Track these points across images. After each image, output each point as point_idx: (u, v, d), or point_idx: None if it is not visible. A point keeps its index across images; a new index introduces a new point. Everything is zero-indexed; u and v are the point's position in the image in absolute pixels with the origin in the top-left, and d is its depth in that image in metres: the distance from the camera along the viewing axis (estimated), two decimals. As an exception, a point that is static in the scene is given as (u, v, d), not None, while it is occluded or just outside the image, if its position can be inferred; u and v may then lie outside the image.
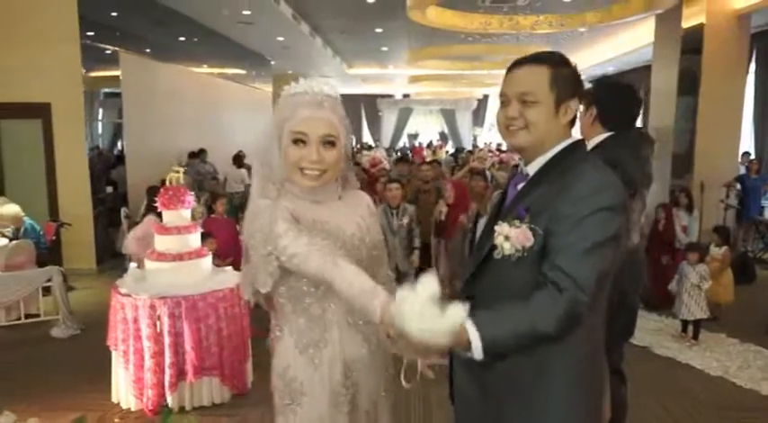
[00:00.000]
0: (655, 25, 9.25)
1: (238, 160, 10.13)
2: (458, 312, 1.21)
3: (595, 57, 14.38)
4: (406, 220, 4.96)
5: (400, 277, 4.80)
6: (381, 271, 1.74)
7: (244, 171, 10.08)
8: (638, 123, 15.55)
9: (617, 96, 2.55)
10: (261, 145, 1.65)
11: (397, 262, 4.87)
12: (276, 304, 1.64)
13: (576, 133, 1.56)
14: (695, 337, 4.78)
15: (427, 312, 1.18)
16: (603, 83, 2.63)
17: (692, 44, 8.02)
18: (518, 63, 1.47)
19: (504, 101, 1.49)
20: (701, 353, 4.59)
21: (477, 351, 1.27)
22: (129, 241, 4.72)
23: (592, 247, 1.31)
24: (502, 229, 1.38)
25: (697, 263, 4.79)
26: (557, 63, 1.45)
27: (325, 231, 1.56)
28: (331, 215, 1.61)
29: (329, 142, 1.56)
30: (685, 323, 4.88)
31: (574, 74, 1.47)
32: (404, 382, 1.45)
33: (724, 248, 5.29)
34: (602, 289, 1.37)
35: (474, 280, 1.52)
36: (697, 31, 7.94)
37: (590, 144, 2.41)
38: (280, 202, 1.55)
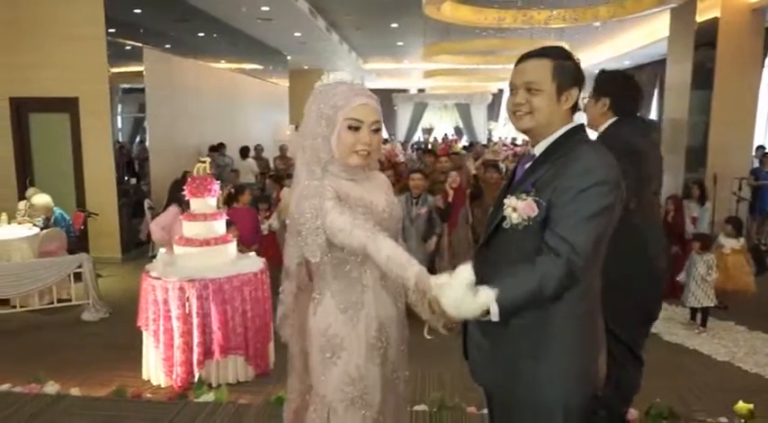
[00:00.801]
0: (669, 19, 9.30)
1: (244, 152, 10.57)
2: (488, 295, 1.45)
3: (610, 51, 14.41)
4: (424, 210, 5.07)
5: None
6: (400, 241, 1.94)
7: (251, 161, 10.46)
8: (653, 115, 15.56)
9: (629, 87, 2.83)
10: (307, 131, 1.81)
11: (411, 249, 5.01)
12: (317, 271, 1.84)
13: (579, 119, 1.75)
14: (703, 324, 4.90)
15: (464, 297, 1.43)
16: (615, 76, 2.86)
17: (707, 38, 8.06)
18: (525, 56, 1.69)
19: (513, 89, 1.70)
20: (709, 340, 4.71)
21: (495, 316, 1.49)
22: (154, 228, 4.93)
23: (588, 217, 1.51)
24: (510, 201, 1.58)
25: (703, 252, 4.91)
26: (559, 56, 1.66)
27: (363, 206, 1.78)
28: (365, 192, 1.83)
29: (377, 129, 1.79)
30: (694, 311, 5.01)
31: (575, 66, 1.67)
32: (426, 335, 1.71)
33: (742, 240, 5.39)
34: (597, 253, 1.57)
35: (485, 249, 1.72)
36: (711, 26, 7.98)
37: (600, 129, 2.73)
38: (325, 183, 1.75)
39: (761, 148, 9.51)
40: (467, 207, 5.78)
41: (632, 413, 3.34)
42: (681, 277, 5.04)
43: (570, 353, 1.62)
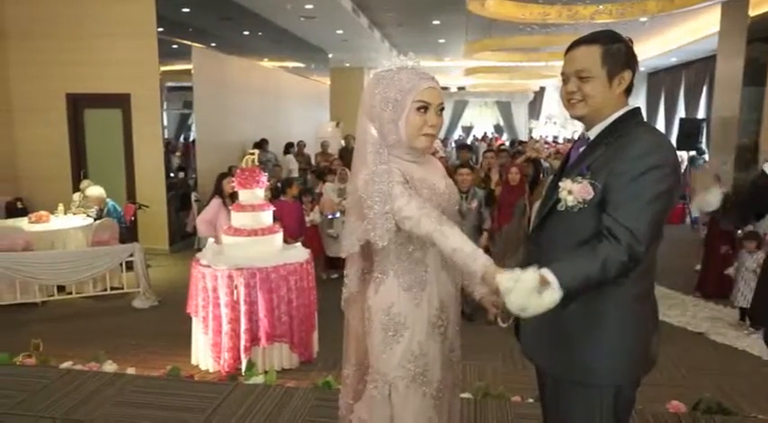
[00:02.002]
0: (720, 13, 9.04)
1: (288, 148, 11.08)
2: (552, 296, 1.45)
3: (657, 47, 14.07)
4: (474, 204, 5.06)
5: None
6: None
7: (290, 157, 10.73)
8: (701, 113, 14.99)
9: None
10: (372, 116, 1.85)
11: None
12: (380, 252, 1.89)
13: (633, 101, 1.73)
14: (753, 324, 4.78)
15: (529, 300, 1.44)
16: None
17: (760, 33, 7.81)
18: (574, 44, 1.69)
19: (565, 78, 1.70)
20: (759, 341, 4.58)
21: (559, 304, 1.47)
22: (200, 225, 5.07)
23: (647, 202, 1.50)
24: (566, 184, 1.59)
25: (755, 251, 4.79)
26: (608, 40, 1.64)
27: (427, 188, 1.84)
28: (427, 174, 1.89)
29: (442, 109, 1.86)
30: (743, 311, 4.89)
31: (625, 48, 1.65)
32: (501, 323, 1.79)
33: None
34: (657, 236, 1.56)
35: (539, 231, 1.73)
36: (765, 20, 7.72)
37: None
38: (393, 167, 1.80)
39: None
40: (525, 199, 5.71)
41: (680, 407, 3.30)
42: (730, 271, 4.92)
43: (623, 332, 1.63)
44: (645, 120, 1.72)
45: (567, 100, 1.70)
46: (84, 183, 6.86)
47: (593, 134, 1.70)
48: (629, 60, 1.66)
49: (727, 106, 8.58)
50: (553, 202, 1.66)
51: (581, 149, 1.73)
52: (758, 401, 3.55)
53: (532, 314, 1.46)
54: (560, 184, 1.61)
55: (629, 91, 1.69)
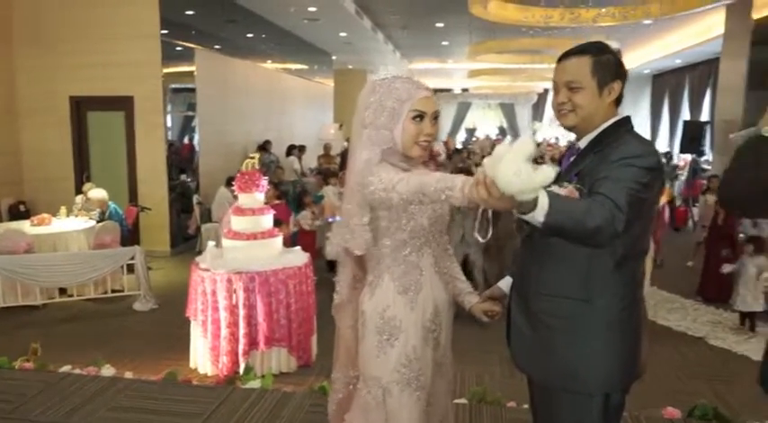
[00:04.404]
0: (725, 16, 9.01)
1: (289, 150, 11.09)
2: (550, 170, 1.34)
3: (660, 49, 14.03)
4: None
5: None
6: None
7: (293, 158, 10.76)
8: (705, 116, 14.88)
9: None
10: (366, 122, 1.85)
11: (464, 233, 5.05)
12: (374, 256, 1.91)
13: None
14: (752, 328, 4.76)
15: (524, 167, 1.31)
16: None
17: (764, 36, 7.80)
18: (565, 55, 1.71)
19: (555, 89, 1.73)
20: (759, 345, 4.57)
21: (542, 213, 1.39)
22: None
23: (626, 182, 1.51)
24: (553, 189, 1.58)
25: (755, 254, 4.77)
26: (597, 51, 1.67)
27: None
28: None
29: (437, 117, 1.87)
30: (743, 315, 4.87)
31: (614, 59, 1.68)
32: (479, 237, 1.62)
33: None
34: (635, 219, 1.52)
35: (529, 239, 1.75)
36: (769, 23, 7.72)
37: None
38: (384, 164, 1.80)
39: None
40: None
41: (674, 413, 3.30)
42: (727, 268, 4.88)
43: (611, 341, 1.65)
44: (633, 128, 1.73)
45: (558, 110, 1.73)
46: (87, 185, 6.88)
47: (583, 143, 1.73)
48: (619, 71, 1.68)
49: (730, 109, 8.57)
50: None
51: (571, 158, 1.75)
52: (757, 408, 3.54)
53: (526, 190, 1.33)
54: (549, 190, 1.62)
55: (618, 101, 1.70)
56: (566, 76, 1.68)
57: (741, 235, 5.62)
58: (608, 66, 1.66)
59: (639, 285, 1.72)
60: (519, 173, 1.31)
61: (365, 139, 1.84)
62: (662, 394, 3.58)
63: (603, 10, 7.94)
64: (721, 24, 9.21)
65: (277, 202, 6.22)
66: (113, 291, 5.77)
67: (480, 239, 1.61)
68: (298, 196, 7.57)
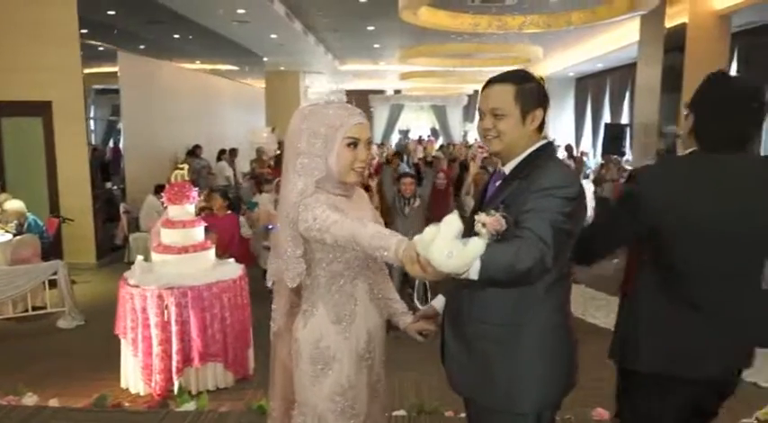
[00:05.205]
0: (640, 25, 9.50)
1: (220, 155, 10.93)
2: (479, 245, 1.47)
3: (583, 54, 14.62)
4: (417, 203, 5.27)
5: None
6: None
7: (224, 164, 10.57)
8: (625, 118, 15.51)
9: (726, 103, 1.88)
10: (299, 150, 1.82)
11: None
12: (308, 285, 1.90)
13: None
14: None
15: (455, 245, 1.43)
16: (716, 80, 1.95)
17: (675, 43, 8.26)
18: (489, 82, 1.76)
19: (481, 115, 1.78)
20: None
21: (475, 273, 1.48)
22: None
23: (549, 214, 1.57)
24: (480, 217, 1.62)
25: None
26: (521, 80, 1.72)
27: (357, 220, 1.82)
28: (354, 207, 1.90)
29: (370, 142, 1.88)
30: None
31: (537, 87, 1.73)
32: (418, 304, 1.73)
33: None
34: (561, 252, 1.61)
35: None
36: (680, 31, 8.18)
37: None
38: (318, 196, 1.78)
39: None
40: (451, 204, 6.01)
41: (604, 414, 3.43)
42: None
43: (543, 362, 1.70)
44: (555, 152, 1.81)
45: (484, 135, 1.77)
46: (2, 196, 6.47)
47: (507, 169, 1.77)
48: (541, 99, 1.74)
49: (647, 112, 9.03)
50: (471, 235, 1.70)
51: (497, 184, 1.79)
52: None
53: (459, 265, 1.43)
54: (476, 217, 1.64)
55: (541, 127, 1.76)
56: (490, 102, 1.72)
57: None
58: (531, 94, 1.71)
59: (567, 302, 1.78)
60: (451, 255, 1.42)
61: (299, 167, 1.82)
62: (592, 395, 3.68)
63: (529, 18, 8.21)
64: (637, 32, 9.71)
65: (229, 212, 6.08)
66: (34, 308, 5.44)
67: (420, 306, 1.65)
68: (232, 203, 7.41)
